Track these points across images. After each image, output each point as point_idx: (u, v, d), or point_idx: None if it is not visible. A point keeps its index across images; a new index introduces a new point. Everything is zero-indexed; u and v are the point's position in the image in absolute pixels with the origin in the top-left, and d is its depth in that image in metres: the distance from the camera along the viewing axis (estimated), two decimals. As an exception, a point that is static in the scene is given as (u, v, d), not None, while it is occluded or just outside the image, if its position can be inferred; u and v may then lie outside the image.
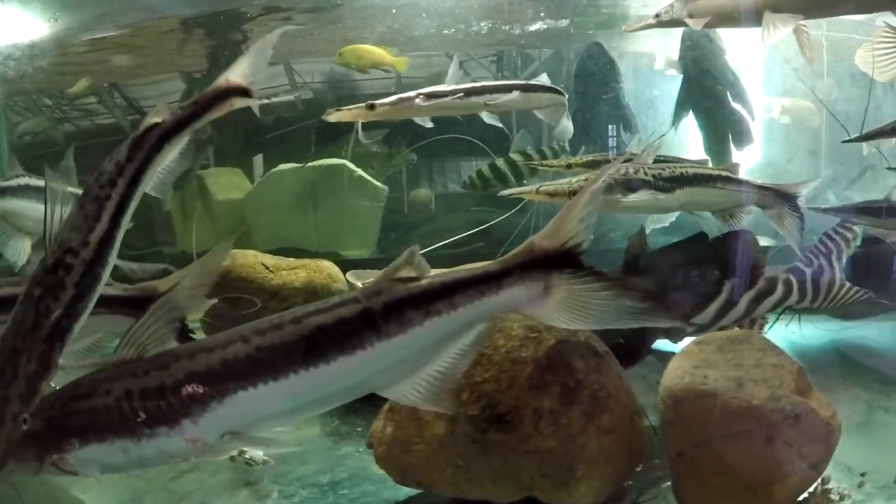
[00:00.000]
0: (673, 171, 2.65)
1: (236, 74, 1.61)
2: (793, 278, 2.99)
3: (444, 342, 1.44)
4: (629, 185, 2.53)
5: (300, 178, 4.69)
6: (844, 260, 3.06)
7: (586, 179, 2.63)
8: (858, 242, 3.09)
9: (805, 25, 2.38)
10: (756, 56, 4.98)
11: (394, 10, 4.91)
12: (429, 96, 2.59)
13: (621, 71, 4.47)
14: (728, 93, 4.65)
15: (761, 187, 2.86)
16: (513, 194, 2.83)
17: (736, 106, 4.67)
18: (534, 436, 1.61)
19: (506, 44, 5.54)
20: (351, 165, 4.64)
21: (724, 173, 2.85)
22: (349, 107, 2.53)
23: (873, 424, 2.37)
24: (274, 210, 4.64)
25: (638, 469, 1.87)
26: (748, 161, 5.44)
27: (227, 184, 4.92)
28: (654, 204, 2.62)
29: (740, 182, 2.86)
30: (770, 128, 5.11)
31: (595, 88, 4.44)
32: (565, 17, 5.02)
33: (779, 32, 2.35)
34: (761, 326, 2.98)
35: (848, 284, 3.08)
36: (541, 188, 2.59)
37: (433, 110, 2.61)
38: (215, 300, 1.67)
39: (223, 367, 1.29)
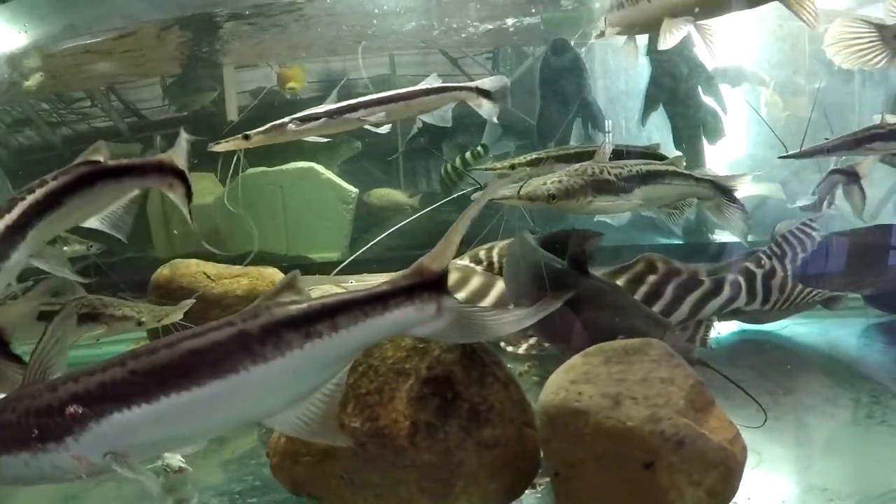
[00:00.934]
0: (631, 170, 2.62)
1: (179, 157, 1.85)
2: (741, 279, 2.86)
3: (328, 366, 1.40)
4: (597, 187, 2.51)
5: (269, 182, 4.63)
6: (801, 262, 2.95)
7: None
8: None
9: (708, 26, 2.46)
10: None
11: (376, 11, 4.85)
12: (302, 120, 2.64)
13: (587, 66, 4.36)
14: (699, 87, 4.55)
15: (700, 180, 2.80)
16: (495, 199, 2.75)
17: (707, 100, 4.57)
18: (410, 450, 1.57)
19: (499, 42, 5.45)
20: (319, 168, 4.59)
21: (671, 168, 2.79)
22: (228, 139, 2.61)
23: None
24: (243, 214, 4.59)
25: (540, 484, 1.79)
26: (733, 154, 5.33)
27: (198, 189, 4.85)
28: (618, 204, 2.61)
29: (685, 176, 2.81)
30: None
31: (560, 85, 4.35)
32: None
33: (675, 37, 2.41)
34: (707, 330, 2.87)
35: (800, 286, 2.97)
36: (521, 193, 2.52)
37: (307, 132, 2.66)
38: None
39: (100, 390, 1.32)
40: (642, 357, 1.59)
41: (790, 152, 2.73)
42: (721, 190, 2.80)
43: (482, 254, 2.90)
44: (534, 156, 3.02)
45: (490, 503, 1.65)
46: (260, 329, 1.34)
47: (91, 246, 3.29)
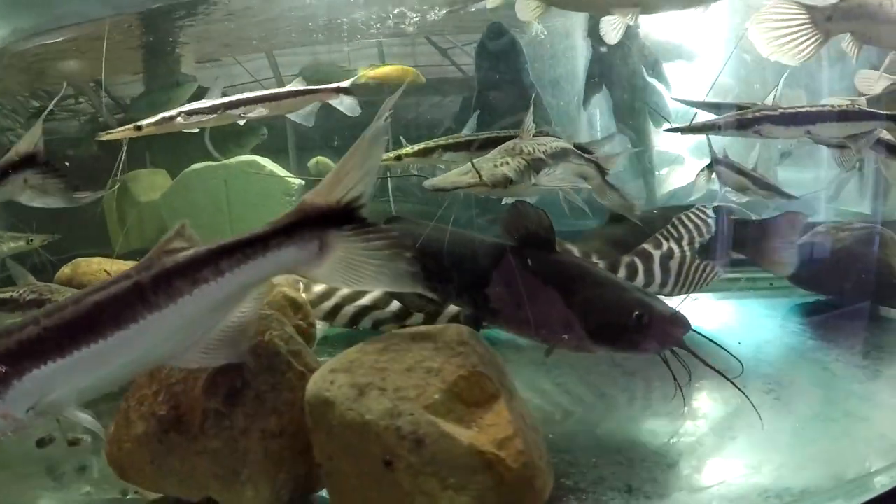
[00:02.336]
0: (553, 148, 2.42)
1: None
2: (637, 261, 2.74)
3: (219, 309, 1.43)
4: (536, 167, 2.29)
5: (213, 176, 4.57)
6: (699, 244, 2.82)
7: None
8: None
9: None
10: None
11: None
12: (189, 113, 2.70)
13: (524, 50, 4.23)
14: (644, 68, 4.41)
15: (587, 160, 2.58)
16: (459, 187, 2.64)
17: (652, 81, 4.43)
18: (201, 437, 1.54)
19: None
20: (261, 160, 4.52)
21: (569, 146, 2.58)
22: (119, 129, 2.61)
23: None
24: (188, 210, 4.54)
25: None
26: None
27: (150, 185, 4.84)
28: (556, 185, 2.38)
29: (579, 154, 2.65)
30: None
31: (496, 69, 4.23)
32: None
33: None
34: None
35: (703, 265, 2.84)
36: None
37: (194, 125, 2.74)
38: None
39: (18, 348, 1.35)
40: (427, 344, 1.47)
41: (675, 125, 2.61)
42: (601, 171, 2.63)
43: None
44: (422, 145, 2.89)
45: (281, 492, 1.55)
46: (152, 280, 1.37)
47: (31, 240, 3.29)
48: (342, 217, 1.38)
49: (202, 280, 1.38)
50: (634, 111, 4.36)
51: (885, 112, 2.85)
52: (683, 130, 2.61)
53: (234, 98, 2.80)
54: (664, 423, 2.02)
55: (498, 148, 2.31)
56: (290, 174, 4.70)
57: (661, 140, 4.79)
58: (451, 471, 1.29)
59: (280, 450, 1.52)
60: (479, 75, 4.24)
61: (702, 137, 5.35)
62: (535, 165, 2.23)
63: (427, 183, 2.17)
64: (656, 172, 4.45)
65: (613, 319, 1.73)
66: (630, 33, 4.28)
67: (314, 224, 1.38)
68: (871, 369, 2.43)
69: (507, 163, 2.16)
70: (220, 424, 1.52)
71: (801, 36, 2.74)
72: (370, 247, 1.40)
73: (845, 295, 3.17)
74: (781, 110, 2.64)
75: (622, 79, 4.31)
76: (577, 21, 4.36)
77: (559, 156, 2.40)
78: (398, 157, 2.77)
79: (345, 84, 2.88)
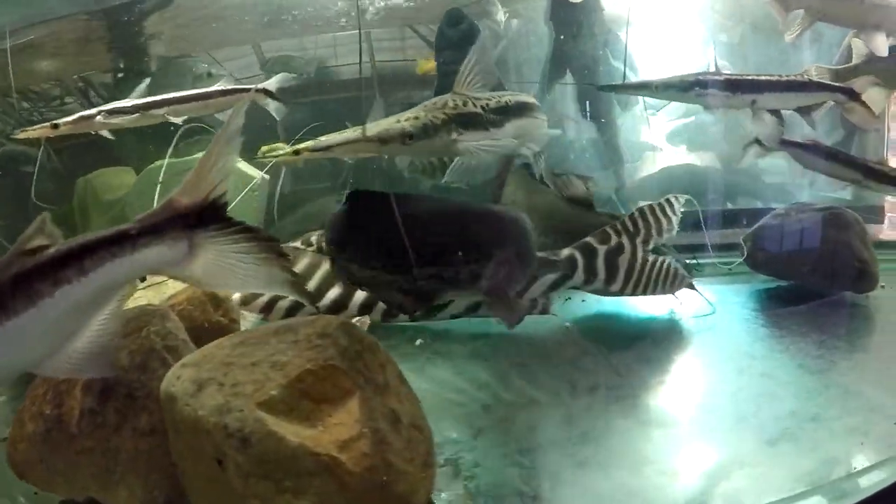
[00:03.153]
0: (499, 101, 2.22)
1: None
2: (578, 255, 2.56)
3: (83, 310, 1.31)
4: (463, 122, 2.08)
5: (175, 173, 4.48)
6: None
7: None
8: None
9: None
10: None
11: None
12: (110, 112, 2.70)
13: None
14: (608, 52, 4.27)
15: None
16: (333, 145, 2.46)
17: (617, 64, 4.29)
18: (78, 436, 1.46)
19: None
20: (225, 156, 4.44)
21: (531, 100, 2.45)
22: (35, 126, 2.60)
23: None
24: (151, 207, 4.44)
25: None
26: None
27: (115, 183, 4.76)
28: (491, 142, 2.21)
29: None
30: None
31: (456, 56, 4.10)
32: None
33: None
34: (545, 308, 2.62)
35: (665, 266, 2.66)
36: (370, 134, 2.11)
37: (115, 125, 2.73)
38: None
39: None
40: (287, 337, 1.35)
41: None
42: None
43: (313, 238, 2.70)
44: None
45: (155, 492, 1.44)
46: (10, 282, 1.24)
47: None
48: (209, 216, 1.29)
49: (64, 280, 1.26)
50: (599, 97, 4.22)
51: (835, 84, 2.72)
52: (617, 89, 2.50)
53: (157, 98, 2.79)
54: (589, 423, 1.88)
55: (422, 104, 2.13)
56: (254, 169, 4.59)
57: (636, 129, 4.67)
58: (285, 473, 1.17)
59: (151, 448, 1.42)
60: (439, 63, 4.11)
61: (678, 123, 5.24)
62: (461, 120, 2.01)
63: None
64: (626, 162, 4.31)
65: None
66: (594, 15, 4.16)
67: (183, 222, 1.28)
68: (825, 359, 2.28)
69: (417, 118, 1.96)
70: (94, 422, 1.44)
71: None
72: (239, 248, 1.31)
73: (805, 279, 3.03)
74: (727, 76, 2.49)
75: (586, 64, 4.17)
76: (538, 5, 4.25)
77: (513, 111, 2.19)
78: (296, 152, 2.56)
79: (269, 85, 2.85)
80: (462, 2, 4.47)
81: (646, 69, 4.23)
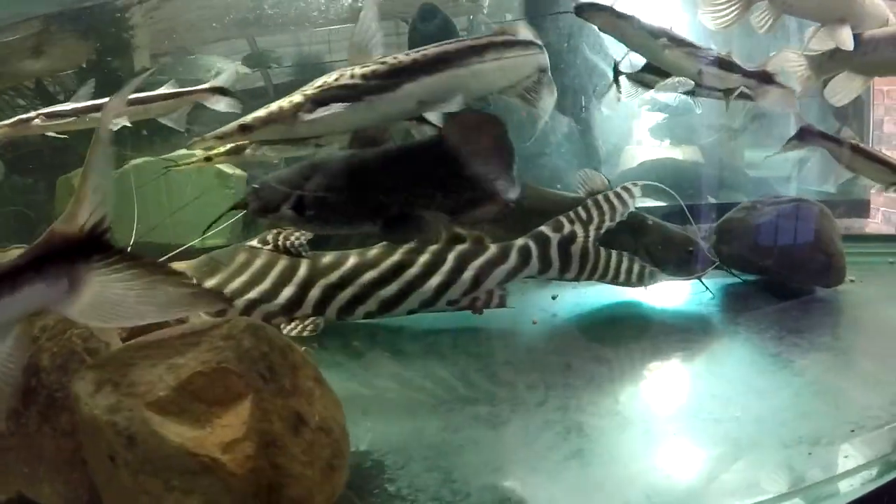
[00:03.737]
0: (400, 61, 1.92)
1: None
2: (532, 244, 2.56)
3: None
4: (323, 98, 1.88)
5: (154, 171, 4.47)
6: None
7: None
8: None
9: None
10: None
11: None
12: (49, 116, 2.63)
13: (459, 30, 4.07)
14: (585, 47, 4.22)
15: (529, 44, 2.04)
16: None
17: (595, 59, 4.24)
18: (6, 434, 1.42)
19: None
20: (201, 154, 4.42)
21: (494, 39, 2.01)
22: None
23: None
24: (130, 204, 4.44)
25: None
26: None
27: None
28: (362, 114, 1.92)
29: (528, 44, 2.04)
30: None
31: (431, 52, 4.06)
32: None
33: None
34: (501, 300, 2.59)
35: (616, 255, 2.64)
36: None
37: (53, 128, 2.66)
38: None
39: None
40: (193, 338, 1.32)
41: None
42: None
43: (270, 237, 2.68)
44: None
45: (79, 491, 1.43)
46: None
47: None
48: (90, 245, 1.17)
49: None
50: (575, 93, 4.18)
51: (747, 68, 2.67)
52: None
53: (98, 101, 2.71)
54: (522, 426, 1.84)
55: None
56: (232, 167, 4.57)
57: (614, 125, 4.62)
58: (171, 472, 1.16)
59: (73, 448, 1.40)
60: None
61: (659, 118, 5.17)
62: (322, 97, 1.86)
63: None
64: (601, 157, 4.27)
65: None
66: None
67: (61, 256, 1.16)
68: (782, 358, 2.22)
69: (268, 107, 1.85)
70: (18, 422, 1.42)
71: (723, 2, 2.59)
72: (125, 276, 1.19)
73: (769, 274, 2.97)
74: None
75: (561, 58, 4.12)
76: (515, -3, 4.20)
77: (423, 68, 1.89)
78: (208, 158, 2.43)
79: (218, 83, 2.78)
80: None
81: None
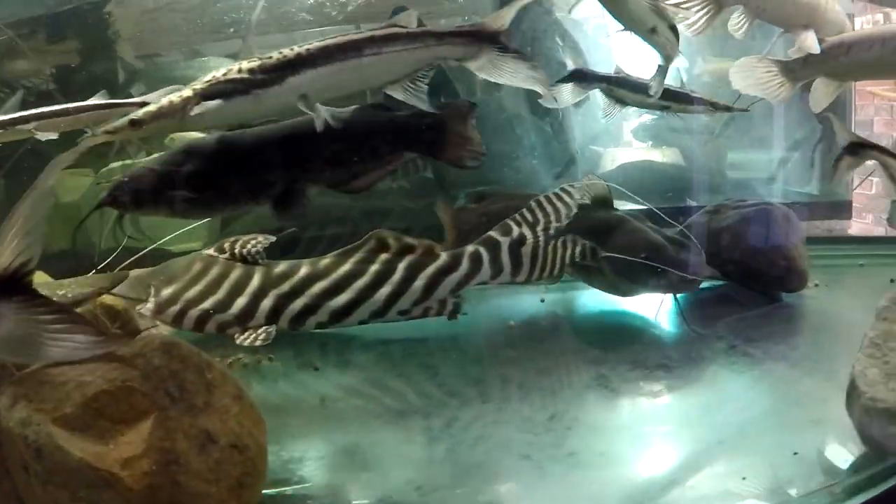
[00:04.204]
0: (285, 56, 2.01)
1: None
2: (483, 250, 2.58)
3: None
4: (212, 93, 1.94)
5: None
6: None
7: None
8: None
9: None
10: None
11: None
12: None
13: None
14: (560, 48, 4.23)
15: (443, 35, 2.14)
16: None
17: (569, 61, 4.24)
18: None
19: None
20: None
21: (383, 32, 2.10)
22: None
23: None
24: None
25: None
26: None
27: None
28: (249, 107, 2.00)
29: (415, 36, 2.13)
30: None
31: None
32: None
33: None
34: (455, 308, 2.62)
35: (561, 245, 2.67)
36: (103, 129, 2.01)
37: None
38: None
39: None
40: (116, 356, 1.40)
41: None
42: (486, 38, 2.17)
43: (227, 245, 2.71)
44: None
45: (10, 499, 1.49)
46: None
47: None
48: (11, 286, 1.22)
49: None
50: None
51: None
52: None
53: (26, 112, 2.64)
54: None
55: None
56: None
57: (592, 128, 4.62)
58: (77, 484, 1.25)
59: (2, 459, 1.44)
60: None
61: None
62: (210, 91, 1.92)
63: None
64: (577, 159, 4.28)
65: None
66: (542, 15, 4.12)
67: None
68: (734, 370, 2.24)
69: (158, 101, 1.93)
70: None
71: (695, 5, 2.61)
72: (39, 320, 1.25)
73: (731, 278, 2.99)
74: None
75: (535, 58, 4.12)
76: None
77: (320, 57, 2.00)
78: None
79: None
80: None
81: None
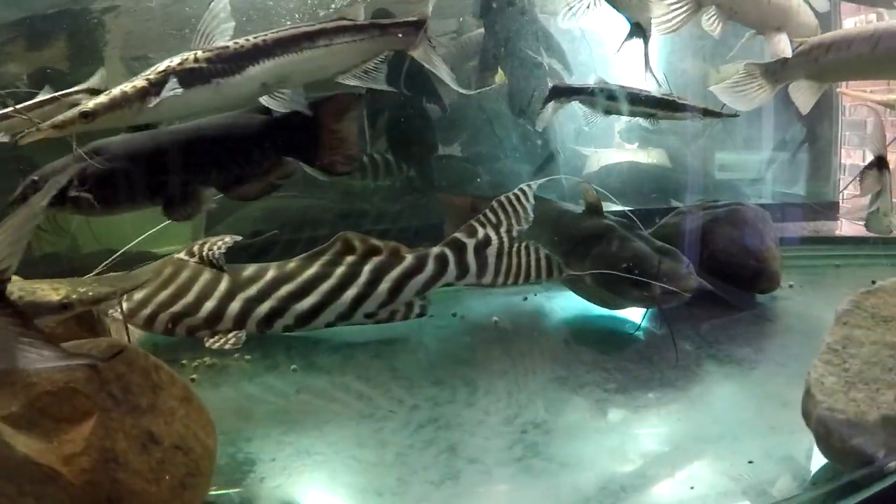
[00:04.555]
0: (242, 46, 2.07)
1: None
2: (448, 252, 2.64)
3: None
4: (165, 84, 1.95)
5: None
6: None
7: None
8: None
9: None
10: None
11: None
12: None
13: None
14: (542, 51, 4.27)
15: (383, 26, 2.27)
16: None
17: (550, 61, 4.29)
18: None
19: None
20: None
21: (333, 24, 2.22)
22: None
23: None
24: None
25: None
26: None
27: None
28: (210, 97, 2.04)
29: (358, 28, 2.24)
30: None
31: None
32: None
33: None
34: (421, 310, 2.67)
35: (525, 250, 2.70)
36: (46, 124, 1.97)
37: None
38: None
39: None
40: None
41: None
42: (414, 27, 2.31)
43: (195, 248, 2.77)
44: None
45: None
46: None
47: None
48: None
49: None
50: (532, 92, 4.21)
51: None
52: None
53: None
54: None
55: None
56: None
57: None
58: (23, 478, 1.30)
59: None
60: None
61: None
62: (164, 83, 1.93)
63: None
64: (556, 156, 4.31)
65: None
66: (521, 18, 4.16)
67: None
68: (688, 374, 2.25)
69: (109, 93, 1.92)
70: None
71: (674, 5, 2.65)
72: (6, 329, 1.27)
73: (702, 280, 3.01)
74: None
75: (516, 58, 4.17)
76: (467, -3, 4.26)
77: (274, 47, 2.08)
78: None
79: (93, 85, 2.69)
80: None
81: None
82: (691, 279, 2.48)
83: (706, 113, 2.99)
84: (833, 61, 2.56)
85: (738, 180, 4.80)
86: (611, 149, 4.95)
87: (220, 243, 2.64)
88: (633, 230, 2.75)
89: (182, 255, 2.80)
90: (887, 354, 1.67)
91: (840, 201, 4.59)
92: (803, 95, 2.70)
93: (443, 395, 2.12)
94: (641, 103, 2.89)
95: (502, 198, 2.68)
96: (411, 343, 2.60)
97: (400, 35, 2.30)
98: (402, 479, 1.67)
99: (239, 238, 2.64)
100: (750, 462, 1.68)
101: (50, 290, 1.72)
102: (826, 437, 1.57)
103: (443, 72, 2.37)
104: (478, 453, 1.77)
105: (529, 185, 2.69)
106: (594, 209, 2.91)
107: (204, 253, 2.71)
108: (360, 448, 1.83)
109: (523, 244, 2.65)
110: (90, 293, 1.78)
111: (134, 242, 3.14)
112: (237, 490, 1.65)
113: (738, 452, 1.72)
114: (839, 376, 1.64)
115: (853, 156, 4.71)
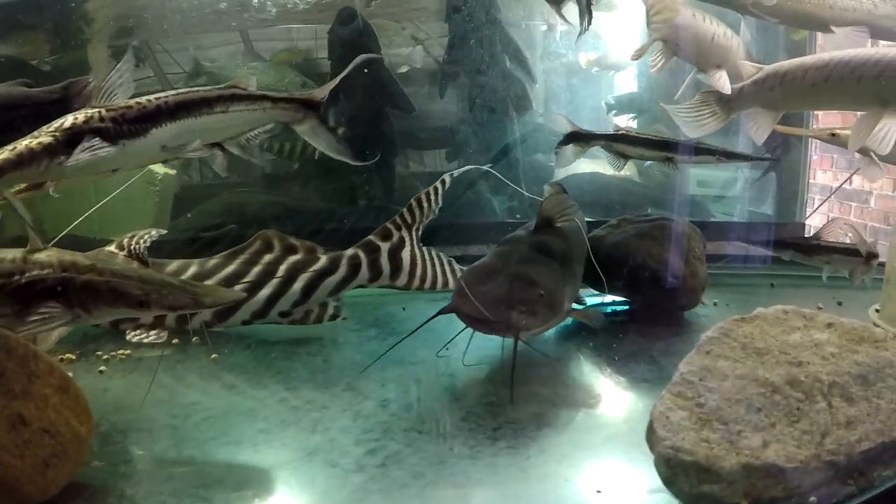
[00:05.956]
0: (145, 106, 2.20)
1: None
2: (361, 254, 2.84)
3: None
4: (73, 143, 2.04)
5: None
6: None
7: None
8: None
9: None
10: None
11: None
12: None
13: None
14: (506, 56, 4.45)
15: (277, 99, 2.53)
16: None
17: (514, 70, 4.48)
18: None
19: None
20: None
21: (229, 91, 2.42)
22: None
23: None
24: (58, 199, 4.76)
25: None
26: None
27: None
28: (116, 158, 2.15)
29: (253, 98, 2.48)
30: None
31: (348, 56, 4.32)
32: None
33: None
34: (335, 311, 2.87)
35: (436, 256, 2.90)
36: None
37: None
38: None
39: None
40: None
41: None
42: (310, 107, 2.58)
43: (125, 241, 2.97)
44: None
45: None
46: None
47: None
48: None
49: None
50: (495, 102, 4.40)
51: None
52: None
53: None
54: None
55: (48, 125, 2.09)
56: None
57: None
58: None
59: None
60: (332, 62, 4.33)
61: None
62: (75, 139, 2.02)
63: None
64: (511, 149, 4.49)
65: None
66: (489, 20, 4.33)
67: None
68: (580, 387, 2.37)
69: (16, 146, 1.98)
70: None
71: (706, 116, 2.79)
72: None
73: (622, 296, 3.17)
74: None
75: (481, 67, 4.36)
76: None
77: (176, 110, 2.25)
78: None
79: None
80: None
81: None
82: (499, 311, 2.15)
83: (731, 156, 3.18)
84: (787, 90, 2.67)
85: (717, 197, 4.92)
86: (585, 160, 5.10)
87: (147, 237, 2.84)
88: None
89: (112, 248, 3.01)
90: (756, 392, 1.55)
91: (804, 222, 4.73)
92: (758, 124, 2.82)
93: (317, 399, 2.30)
94: (660, 148, 3.09)
95: (421, 194, 2.89)
96: (325, 343, 2.79)
97: (290, 111, 2.58)
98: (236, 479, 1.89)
99: (164, 232, 2.82)
100: (598, 492, 1.67)
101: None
102: (672, 479, 1.49)
103: (331, 149, 2.64)
104: (338, 457, 1.98)
105: (451, 174, 2.89)
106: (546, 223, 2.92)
107: (132, 246, 2.91)
108: (236, 446, 2.05)
109: (432, 251, 2.86)
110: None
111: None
112: (99, 479, 1.87)
113: (587, 483, 1.72)
114: (690, 411, 1.54)
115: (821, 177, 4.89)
